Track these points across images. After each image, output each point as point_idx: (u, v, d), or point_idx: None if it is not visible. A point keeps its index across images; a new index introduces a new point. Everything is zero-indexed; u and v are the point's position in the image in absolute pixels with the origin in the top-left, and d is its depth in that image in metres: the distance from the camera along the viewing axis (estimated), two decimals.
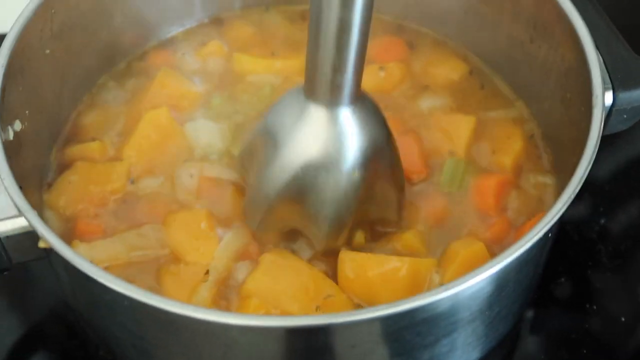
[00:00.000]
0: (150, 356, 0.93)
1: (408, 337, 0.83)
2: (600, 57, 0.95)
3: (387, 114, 0.94)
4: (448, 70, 1.16)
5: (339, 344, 0.82)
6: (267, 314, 0.91)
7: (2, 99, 0.91)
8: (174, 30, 1.20)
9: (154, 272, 0.96)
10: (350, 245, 0.97)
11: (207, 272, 0.95)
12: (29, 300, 1.08)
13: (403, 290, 0.92)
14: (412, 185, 1.04)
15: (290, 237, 0.98)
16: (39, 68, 1.01)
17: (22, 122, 0.96)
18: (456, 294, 0.77)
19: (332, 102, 0.88)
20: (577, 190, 0.83)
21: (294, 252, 0.97)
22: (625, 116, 0.97)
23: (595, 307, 1.07)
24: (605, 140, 0.91)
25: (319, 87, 0.87)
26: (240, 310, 0.92)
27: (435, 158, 1.06)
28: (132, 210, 1.01)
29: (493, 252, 0.96)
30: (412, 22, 1.21)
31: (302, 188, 0.91)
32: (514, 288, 0.90)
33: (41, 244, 0.82)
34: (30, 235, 0.84)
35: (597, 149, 0.87)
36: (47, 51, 1.01)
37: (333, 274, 0.95)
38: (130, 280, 0.93)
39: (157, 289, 0.95)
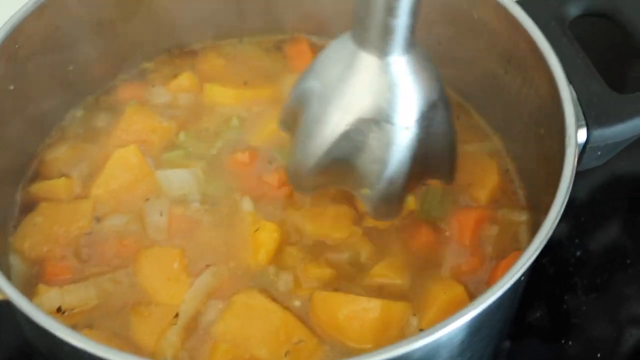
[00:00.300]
0: None
1: None
2: (574, 92, 0.94)
3: None
4: None
5: None
6: (237, 359, 0.89)
7: None
8: (145, 62, 1.18)
9: (123, 315, 0.94)
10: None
11: (176, 315, 0.94)
12: None
13: (375, 333, 0.91)
14: None
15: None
16: (3, 104, 0.99)
17: None
18: (429, 343, 0.76)
19: (384, 49, 0.81)
20: (549, 234, 0.82)
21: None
22: (599, 153, 0.96)
23: (570, 343, 1.07)
24: (580, 172, 0.90)
25: (370, 32, 0.81)
26: (210, 355, 0.91)
27: None
28: (100, 250, 0.99)
29: (465, 284, 0.96)
30: None
31: (353, 145, 0.86)
32: (487, 332, 0.88)
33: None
34: None
35: (570, 190, 0.85)
36: (11, 87, 0.99)
37: (307, 314, 0.94)
38: (97, 324, 0.94)
39: (125, 333, 0.93)
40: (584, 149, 0.94)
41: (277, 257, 0.98)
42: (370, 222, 1.00)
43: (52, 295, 0.94)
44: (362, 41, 0.82)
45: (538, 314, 1.09)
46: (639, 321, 1.09)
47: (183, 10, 1.15)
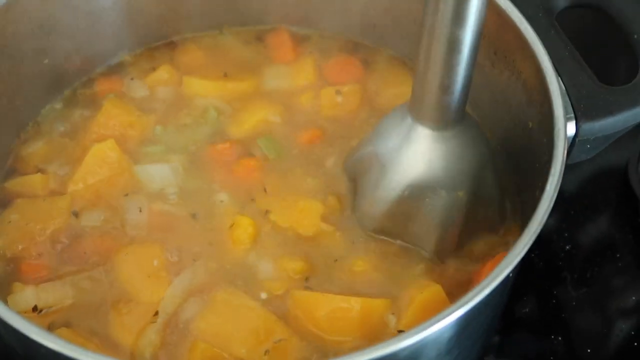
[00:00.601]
0: None
1: None
2: (563, 85, 0.92)
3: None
4: (407, 91, 1.12)
5: None
6: (216, 359, 0.88)
7: None
8: (124, 55, 1.16)
9: (101, 313, 0.93)
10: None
11: (156, 313, 0.92)
12: None
13: (355, 331, 0.91)
14: None
15: None
16: None
17: None
18: (414, 343, 0.74)
19: (438, 123, 0.90)
20: (539, 230, 0.81)
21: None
22: (588, 146, 0.94)
23: (560, 337, 1.05)
24: (569, 165, 0.89)
25: (426, 108, 0.90)
26: (188, 354, 0.89)
27: None
28: (78, 247, 0.98)
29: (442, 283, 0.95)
30: (369, 42, 1.18)
31: (409, 208, 0.94)
32: (475, 329, 0.87)
33: None
34: None
35: (559, 184, 0.84)
36: None
37: (286, 312, 0.93)
38: (74, 323, 0.92)
39: (103, 331, 0.92)
40: (573, 143, 0.92)
41: (253, 252, 0.97)
42: (340, 219, 1.00)
43: (27, 294, 0.93)
44: (418, 115, 0.91)
45: (527, 309, 1.08)
46: (629, 315, 1.08)
47: (162, 2, 1.13)
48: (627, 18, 0.99)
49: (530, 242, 0.80)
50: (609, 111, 0.92)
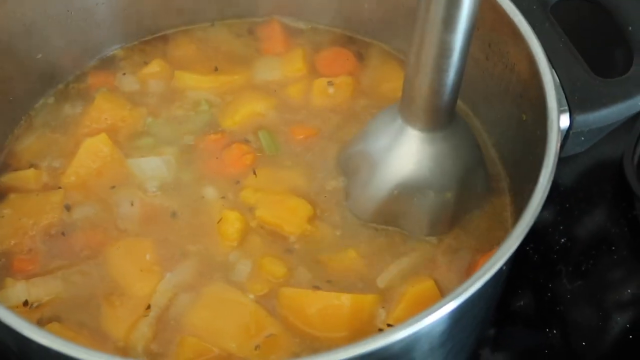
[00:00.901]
0: None
1: None
2: (557, 77, 0.92)
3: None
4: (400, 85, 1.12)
5: None
6: (205, 354, 0.88)
7: None
8: (116, 49, 1.16)
9: (92, 307, 0.93)
10: None
11: (148, 307, 0.92)
12: None
13: (346, 327, 0.90)
14: None
15: None
16: None
17: None
18: (407, 336, 0.74)
19: (427, 125, 0.91)
20: (532, 222, 0.80)
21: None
22: (582, 138, 0.94)
23: (555, 331, 1.05)
24: (564, 158, 0.89)
25: (416, 110, 0.91)
26: (178, 348, 0.89)
27: None
28: (69, 241, 0.98)
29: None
30: (363, 35, 1.18)
31: (399, 205, 0.95)
32: (468, 322, 0.87)
33: None
34: None
35: (552, 176, 0.83)
36: None
37: (275, 307, 0.93)
38: (65, 317, 0.92)
39: (94, 325, 0.92)
40: (567, 135, 0.92)
41: (241, 247, 0.97)
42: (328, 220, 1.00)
43: (18, 289, 0.93)
44: (407, 117, 0.92)
45: (523, 302, 1.08)
46: (625, 308, 1.08)
47: None
48: (622, 10, 0.98)
49: (524, 235, 0.80)
50: (603, 103, 0.92)
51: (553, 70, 0.91)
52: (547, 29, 0.97)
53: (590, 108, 0.91)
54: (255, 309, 0.91)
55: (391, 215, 0.97)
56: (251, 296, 0.93)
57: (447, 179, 0.94)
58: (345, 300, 0.91)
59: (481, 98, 1.06)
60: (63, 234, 0.98)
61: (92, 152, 1.02)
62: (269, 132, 1.06)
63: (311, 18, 1.18)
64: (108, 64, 1.15)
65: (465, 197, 0.97)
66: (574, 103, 0.91)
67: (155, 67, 1.13)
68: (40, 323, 0.91)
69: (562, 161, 0.87)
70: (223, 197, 1.01)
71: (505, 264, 0.79)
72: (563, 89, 0.92)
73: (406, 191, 0.94)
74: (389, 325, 0.90)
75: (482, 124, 1.08)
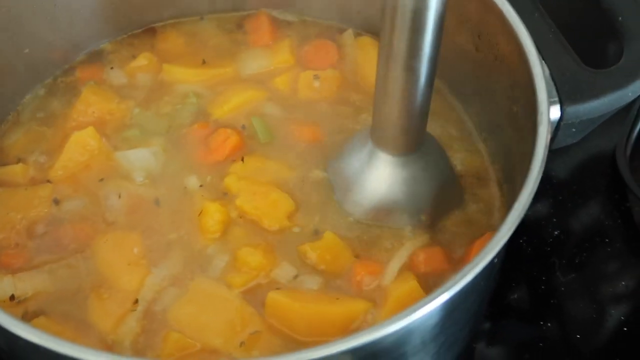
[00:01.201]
0: None
1: None
2: (547, 68, 0.91)
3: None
4: None
5: None
6: (188, 349, 0.88)
7: None
8: (104, 42, 1.15)
9: (79, 300, 0.92)
10: None
11: (136, 301, 0.92)
12: None
13: (333, 333, 0.89)
14: None
15: None
16: None
17: None
18: (398, 330, 0.73)
19: (398, 150, 0.93)
20: (522, 214, 0.80)
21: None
22: (574, 130, 0.93)
23: (550, 324, 1.05)
24: (557, 150, 0.89)
25: (385, 135, 0.92)
26: (162, 343, 0.89)
27: None
28: (56, 235, 0.97)
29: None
30: (352, 28, 1.17)
31: (378, 220, 0.97)
32: (460, 316, 0.86)
33: None
34: None
35: (543, 168, 0.83)
36: None
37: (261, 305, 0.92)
38: (51, 311, 0.92)
39: (81, 318, 0.91)
40: (557, 126, 0.91)
41: (223, 239, 0.97)
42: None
43: (5, 284, 0.92)
44: (378, 141, 0.93)
45: (517, 295, 1.07)
46: (619, 300, 1.07)
47: None
48: (612, 0, 0.98)
49: (515, 226, 0.79)
50: (594, 94, 0.91)
51: (543, 62, 0.90)
52: (537, 20, 0.96)
53: (581, 99, 0.91)
54: (241, 305, 0.91)
55: (375, 219, 0.98)
56: (236, 292, 0.92)
57: (421, 201, 0.96)
58: (333, 308, 0.90)
59: (471, 91, 1.06)
60: (51, 228, 0.97)
61: (80, 146, 1.02)
62: (261, 119, 1.06)
63: (300, 10, 1.17)
64: (96, 57, 1.14)
65: (440, 211, 0.98)
66: (564, 94, 0.90)
67: (143, 60, 1.13)
68: (25, 317, 0.91)
69: (555, 154, 0.87)
70: (204, 185, 1.00)
71: (497, 256, 0.78)
72: (553, 80, 0.91)
73: (383, 212, 0.96)
74: None
75: (472, 116, 1.08)
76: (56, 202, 0.99)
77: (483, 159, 1.05)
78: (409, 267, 0.95)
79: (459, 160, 1.04)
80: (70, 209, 0.99)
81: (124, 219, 0.98)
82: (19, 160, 1.03)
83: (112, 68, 1.12)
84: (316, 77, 1.10)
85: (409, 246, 0.96)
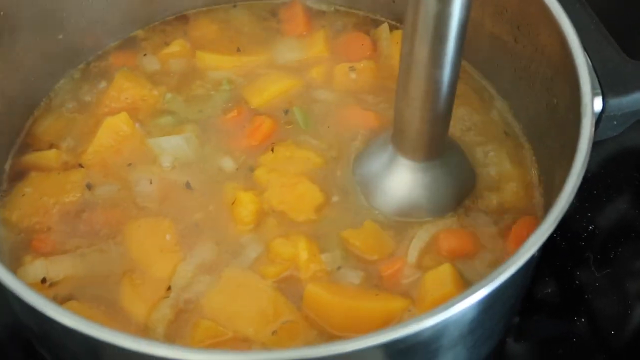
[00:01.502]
0: None
1: None
2: (589, 60, 0.90)
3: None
4: None
5: None
6: (219, 337, 0.88)
7: None
8: (137, 29, 1.15)
9: (110, 285, 0.92)
10: None
11: (169, 288, 0.91)
12: None
13: (372, 327, 0.87)
14: None
15: None
16: None
17: None
18: (436, 324, 0.72)
19: (419, 157, 0.92)
20: (566, 207, 0.79)
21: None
22: (615, 122, 0.92)
23: (583, 319, 1.03)
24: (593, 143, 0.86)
25: (406, 141, 0.91)
26: (192, 331, 0.89)
27: None
28: (89, 220, 0.97)
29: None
30: (387, 18, 1.16)
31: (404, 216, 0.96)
32: (498, 310, 0.85)
33: None
34: None
35: (587, 162, 0.82)
36: None
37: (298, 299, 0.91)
38: (81, 295, 0.92)
39: (112, 303, 0.91)
40: (599, 119, 0.91)
41: (257, 230, 0.96)
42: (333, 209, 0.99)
43: (36, 266, 0.93)
44: (398, 147, 0.93)
45: (549, 290, 1.06)
46: None
47: None
48: None
49: (558, 220, 0.78)
50: (637, 86, 0.90)
51: (585, 53, 0.89)
52: (578, 10, 0.96)
53: (624, 91, 0.90)
54: (274, 295, 0.90)
55: (400, 217, 0.97)
56: (270, 282, 0.92)
57: (447, 201, 0.96)
58: (372, 304, 0.89)
59: (510, 83, 1.04)
60: (83, 212, 0.97)
61: (113, 131, 1.02)
62: (302, 108, 1.06)
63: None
64: (129, 44, 1.14)
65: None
66: (606, 86, 0.90)
67: (176, 47, 1.13)
68: (56, 300, 0.91)
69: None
70: (237, 172, 1.00)
71: (539, 250, 0.77)
72: (595, 72, 0.90)
73: (405, 214, 0.96)
74: None
75: (510, 108, 1.06)
76: (89, 187, 0.99)
77: (524, 152, 1.03)
78: (437, 251, 0.94)
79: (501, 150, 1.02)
80: (102, 194, 0.99)
81: (155, 204, 0.98)
82: (51, 146, 1.03)
83: (145, 54, 1.12)
84: (352, 68, 1.09)
85: (430, 227, 0.95)
